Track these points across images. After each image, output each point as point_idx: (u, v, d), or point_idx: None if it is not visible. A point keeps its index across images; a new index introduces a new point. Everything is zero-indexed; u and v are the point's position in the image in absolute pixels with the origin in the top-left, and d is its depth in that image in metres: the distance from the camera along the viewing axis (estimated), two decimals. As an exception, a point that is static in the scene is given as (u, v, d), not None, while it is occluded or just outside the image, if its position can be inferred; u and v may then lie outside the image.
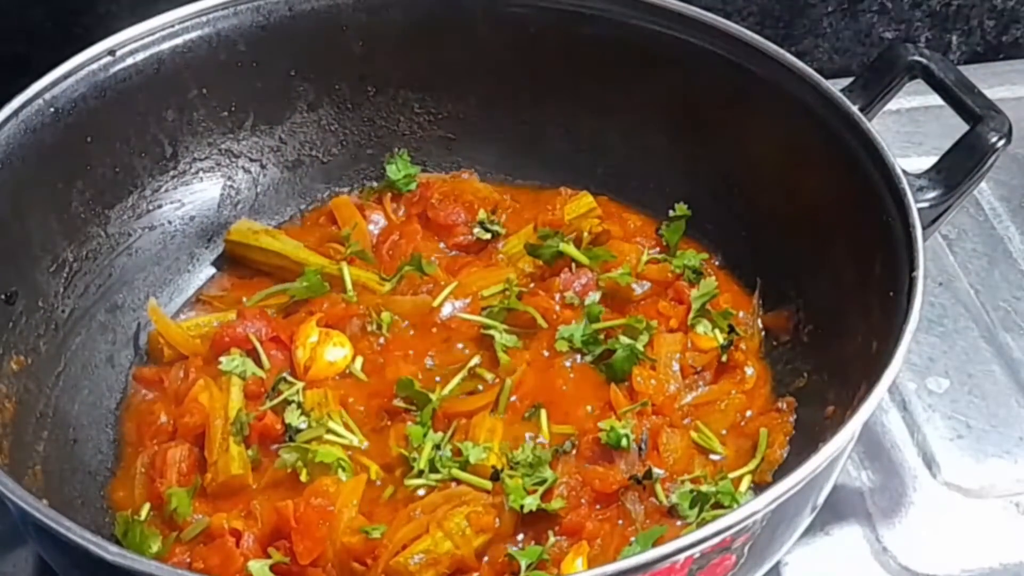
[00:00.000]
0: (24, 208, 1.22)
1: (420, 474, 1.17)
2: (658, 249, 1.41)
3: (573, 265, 1.36)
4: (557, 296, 1.34)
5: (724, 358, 1.29)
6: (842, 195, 1.25)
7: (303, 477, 1.17)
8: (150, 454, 1.21)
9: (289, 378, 1.25)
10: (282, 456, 1.18)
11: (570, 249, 1.36)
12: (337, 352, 1.28)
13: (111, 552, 0.89)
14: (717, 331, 1.31)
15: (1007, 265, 1.55)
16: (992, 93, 1.25)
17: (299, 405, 1.22)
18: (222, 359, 1.25)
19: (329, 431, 1.20)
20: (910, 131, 1.71)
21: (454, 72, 1.45)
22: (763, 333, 1.34)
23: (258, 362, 1.27)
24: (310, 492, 1.13)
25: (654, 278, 1.37)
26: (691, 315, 1.31)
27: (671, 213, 1.42)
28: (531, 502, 1.13)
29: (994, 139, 1.19)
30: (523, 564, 1.09)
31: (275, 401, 1.22)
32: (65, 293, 1.26)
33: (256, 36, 1.37)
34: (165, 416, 1.24)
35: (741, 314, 1.34)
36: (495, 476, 1.16)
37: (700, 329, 1.31)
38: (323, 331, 1.29)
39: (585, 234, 1.40)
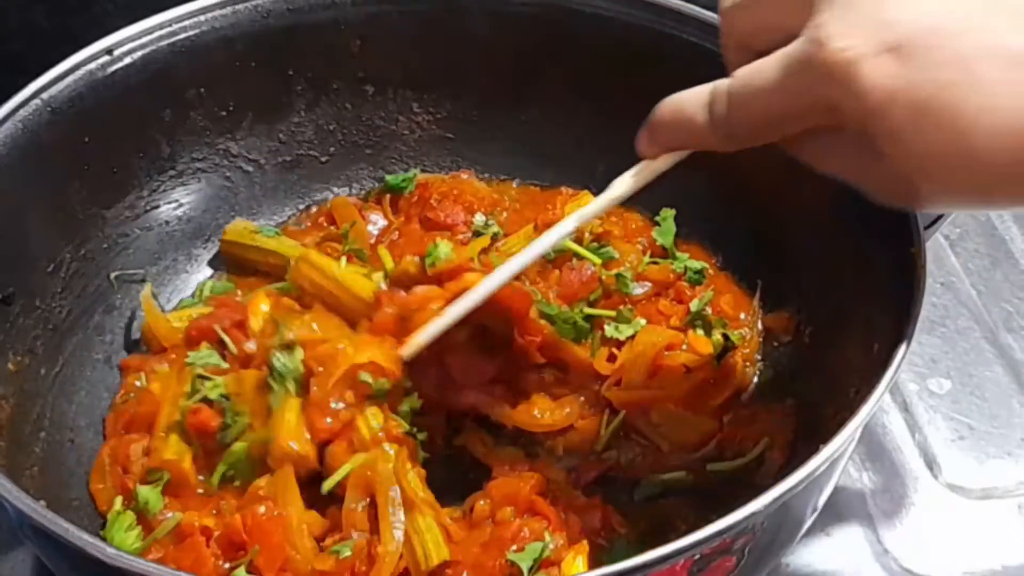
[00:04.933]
0: (21, 208, 1.21)
1: None
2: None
3: (574, 260, 1.36)
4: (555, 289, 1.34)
5: (718, 365, 1.29)
6: (842, 195, 1.24)
7: (237, 482, 1.14)
8: (112, 446, 1.20)
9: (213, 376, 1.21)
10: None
11: (572, 244, 1.36)
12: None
13: (109, 553, 0.89)
14: (716, 334, 1.30)
15: (1009, 266, 1.55)
16: (994, 93, 1.24)
17: (227, 398, 1.17)
18: (190, 354, 1.23)
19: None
20: (911, 131, 1.71)
21: (454, 72, 1.45)
22: (764, 334, 1.33)
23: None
24: (249, 499, 1.11)
25: (655, 278, 1.36)
26: (687, 320, 1.31)
27: (656, 218, 1.41)
28: None
29: (996, 139, 1.18)
30: (524, 566, 1.09)
31: (195, 397, 1.18)
32: (62, 294, 1.26)
33: (255, 36, 1.36)
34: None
35: (742, 315, 1.34)
36: None
37: (699, 331, 1.31)
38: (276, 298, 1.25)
39: (585, 234, 1.40)
